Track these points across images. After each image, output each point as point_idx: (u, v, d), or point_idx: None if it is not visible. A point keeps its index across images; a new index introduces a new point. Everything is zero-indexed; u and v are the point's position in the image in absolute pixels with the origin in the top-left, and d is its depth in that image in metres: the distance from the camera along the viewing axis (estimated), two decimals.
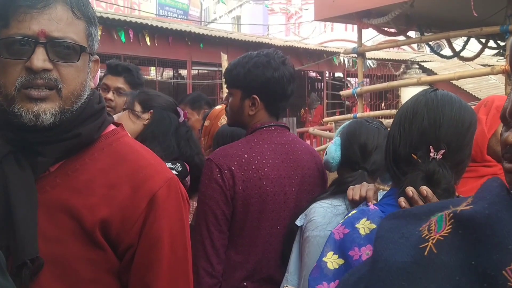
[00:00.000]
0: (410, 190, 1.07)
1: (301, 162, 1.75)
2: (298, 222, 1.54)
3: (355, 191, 1.35)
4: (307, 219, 1.52)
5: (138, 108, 2.02)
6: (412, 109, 1.20)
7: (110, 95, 2.54)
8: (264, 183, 1.67)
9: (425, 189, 1.07)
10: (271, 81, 1.70)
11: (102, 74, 2.74)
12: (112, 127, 1.09)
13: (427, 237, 0.63)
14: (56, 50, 0.93)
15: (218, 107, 2.65)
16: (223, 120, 2.52)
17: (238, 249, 1.68)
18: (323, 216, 1.47)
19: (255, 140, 1.72)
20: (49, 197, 0.96)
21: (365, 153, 1.61)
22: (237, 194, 1.64)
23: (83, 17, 0.98)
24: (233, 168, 1.64)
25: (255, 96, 1.73)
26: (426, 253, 0.61)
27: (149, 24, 8.52)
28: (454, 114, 1.17)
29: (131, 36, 8.40)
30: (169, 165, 1.93)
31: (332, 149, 1.65)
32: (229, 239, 1.68)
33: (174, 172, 1.92)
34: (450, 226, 0.62)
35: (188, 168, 2.02)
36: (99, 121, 1.04)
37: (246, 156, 1.67)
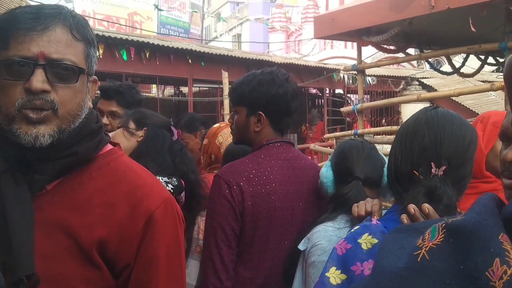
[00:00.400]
0: (411, 207, 1.08)
1: (307, 178, 1.78)
2: (301, 247, 1.54)
3: (360, 207, 1.35)
4: (310, 243, 1.51)
5: (132, 125, 2.04)
6: (413, 127, 1.22)
7: (105, 119, 2.55)
8: (273, 198, 1.69)
9: (426, 206, 1.07)
10: (276, 97, 1.75)
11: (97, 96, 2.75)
12: (109, 146, 1.11)
13: (421, 246, 0.67)
14: (55, 72, 0.95)
15: (216, 125, 2.68)
16: (220, 138, 2.55)
17: (247, 265, 1.69)
18: (329, 240, 1.47)
19: (262, 156, 1.75)
20: (46, 215, 0.96)
21: (354, 164, 1.65)
22: (246, 210, 1.66)
23: (82, 39, 0.99)
24: (241, 183, 1.67)
25: (261, 113, 1.77)
26: (419, 259, 0.65)
27: (151, 42, 8.60)
28: (455, 131, 1.19)
29: (133, 54, 8.47)
30: (164, 179, 1.93)
31: (324, 171, 1.70)
32: (237, 255, 1.69)
33: (169, 186, 1.92)
34: (442, 235, 0.66)
35: (183, 184, 2.01)
36: (96, 140, 1.06)
37: (254, 171, 1.70)
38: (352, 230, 1.20)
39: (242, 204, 1.66)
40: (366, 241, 1.13)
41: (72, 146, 1.00)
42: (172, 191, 1.91)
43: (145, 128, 2.03)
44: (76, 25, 0.99)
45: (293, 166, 1.78)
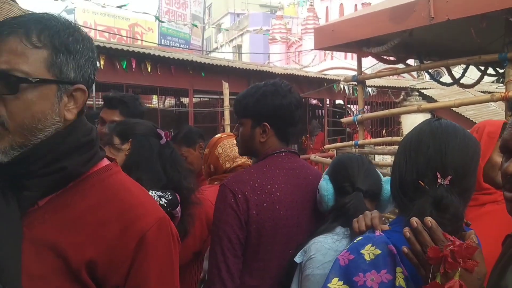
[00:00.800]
0: (414, 221, 1.07)
1: (312, 187, 1.80)
2: (297, 259, 1.56)
3: (360, 222, 1.34)
4: (306, 256, 1.52)
5: (116, 141, 2.01)
6: (417, 138, 1.23)
7: (105, 129, 2.54)
8: (277, 207, 1.70)
9: (429, 220, 1.07)
10: (280, 108, 1.78)
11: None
12: (105, 162, 1.07)
13: None
14: (2, 83, 0.90)
15: (218, 135, 2.69)
16: (220, 149, 2.56)
17: (253, 274, 1.70)
18: (324, 253, 1.48)
19: (267, 165, 1.78)
20: (36, 233, 0.93)
21: (355, 175, 1.68)
22: (250, 218, 1.67)
23: (45, 46, 0.94)
24: (246, 192, 1.69)
25: (266, 124, 1.80)
26: None
27: (152, 53, 8.64)
28: (459, 142, 1.19)
29: (134, 65, 8.50)
30: (158, 193, 1.88)
31: (323, 184, 1.71)
32: (243, 264, 1.70)
33: (163, 200, 1.88)
34: None
35: (178, 198, 1.97)
36: (88, 155, 1.01)
37: (259, 181, 1.72)
38: (355, 241, 1.19)
39: (247, 213, 1.67)
40: (369, 252, 1.13)
41: (60, 160, 0.96)
42: (165, 205, 1.87)
43: (130, 140, 2.00)
44: (39, 31, 0.93)
45: (298, 175, 1.80)
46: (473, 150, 1.21)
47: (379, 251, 1.12)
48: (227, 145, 2.57)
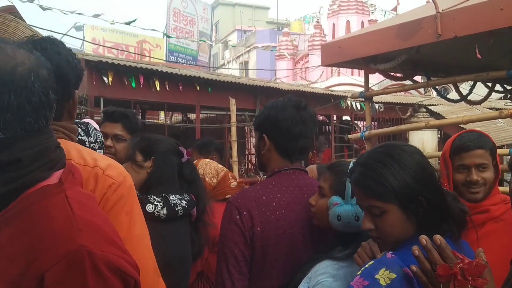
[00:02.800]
0: (423, 239, 1.06)
1: None
2: (302, 286, 1.51)
3: (362, 256, 1.34)
4: (312, 283, 1.48)
5: (139, 157, 2.07)
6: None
7: (109, 142, 2.58)
8: (282, 224, 1.70)
9: (438, 237, 1.06)
10: (276, 120, 1.79)
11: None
12: (46, 182, 0.95)
13: None
14: None
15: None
16: (200, 171, 2.72)
17: None
18: (334, 276, 1.45)
19: (273, 182, 1.78)
20: None
21: None
22: (255, 235, 1.67)
23: None
24: (251, 209, 1.68)
25: (264, 135, 1.83)
26: None
27: (159, 70, 8.70)
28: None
29: (141, 81, 8.55)
30: (177, 196, 2.02)
31: (349, 209, 1.55)
32: (249, 281, 1.69)
33: (183, 202, 1.97)
34: None
35: (194, 199, 2.10)
36: (8, 176, 0.90)
37: (264, 198, 1.72)
38: (367, 265, 1.17)
39: (252, 230, 1.67)
40: (383, 276, 1.11)
41: None
42: (186, 206, 2.02)
43: (153, 157, 2.05)
44: None
45: (304, 193, 1.78)
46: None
47: (394, 275, 1.10)
48: (203, 164, 2.70)
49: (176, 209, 1.99)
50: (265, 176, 2.03)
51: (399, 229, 1.25)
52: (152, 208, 1.93)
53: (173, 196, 2.00)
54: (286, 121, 1.78)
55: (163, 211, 1.95)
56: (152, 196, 1.98)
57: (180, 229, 2.04)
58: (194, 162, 2.77)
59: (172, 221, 1.99)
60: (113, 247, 0.91)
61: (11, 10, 2.61)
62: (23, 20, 2.27)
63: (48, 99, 0.95)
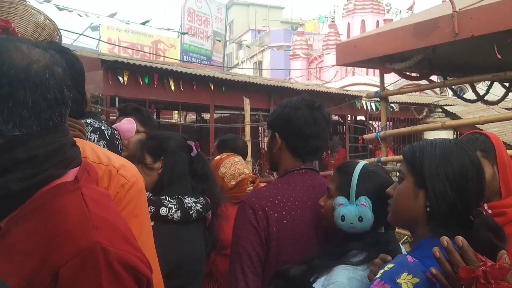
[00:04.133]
0: (444, 240, 1.04)
1: None
2: (316, 286, 1.49)
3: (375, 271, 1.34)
4: (325, 284, 1.46)
5: (148, 159, 2.05)
6: (461, 169, 1.23)
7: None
8: (298, 224, 1.68)
9: (460, 239, 1.04)
10: (287, 119, 1.78)
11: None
12: (62, 180, 0.96)
13: None
14: None
15: (218, 157, 2.76)
16: (223, 169, 2.64)
17: None
18: (348, 278, 1.43)
19: (287, 182, 1.76)
20: None
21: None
22: (271, 235, 1.65)
23: None
24: (266, 209, 1.66)
25: (276, 133, 1.82)
26: None
27: (174, 69, 8.74)
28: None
29: (156, 81, 8.60)
30: (193, 199, 2.01)
31: (369, 216, 1.54)
32: (263, 282, 1.67)
33: (198, 205, 1.96)
34: None
35: (209, 202, 2.09)
36: (25, 172, 0.91)
37: (279, 197, 1.70)
38: (386, 268, 1.14)
39: (267, 230, 1.65)
40: (406, 281, 1.08)
41: None
42: (201, 210, 2.01)
43: (162, 158, 2.04)
44: None
45: (318, 192, 1.77)
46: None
47: (417, 279, 1.07)
48: (229, 164, 2.65)
49: (191, 212, 1.96)
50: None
51: (404, 201, 1.26)
52: (166, 211, 1.91)
53: (188, 199, 1.98)
54: (298, 120, 1.76)
55: (177, 214, 1.93)
56: (167, 197, 1.96)
57: (193, 231, 2.02)
58: (223, 157, 2.74)
59: (186, 223, 1.97)
60: (127, 244, 0.92)
61: None
62: (29, 4, 2.26)
63: (63, 97, 0.96)
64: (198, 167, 2.10)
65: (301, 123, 1.76)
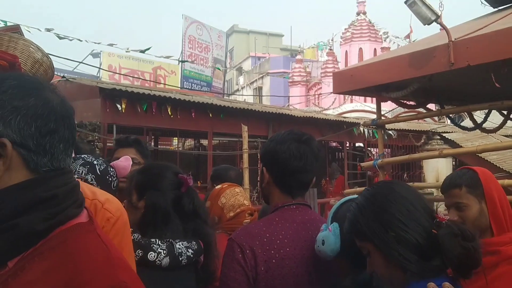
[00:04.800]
0: (431, 287, 1.03)
1: None
2: None
3: None
4: None
5: (134, 197, 1.98)
6: (396, 204, 1.31)
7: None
8: (287, 263, 1.61)
9: (447, 286, 1.02)
10: (273, 153, 1.75)
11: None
12: (78, 220, 0.98)
13: None
14: None
15: (218, 186, 2.69)
16: (223, 199, 2.57)
17: None
18: None
19: (277, 218, 1.70)
20: None
21: None
22: (259, 276, 1.58)
23: None
24: (254, 248, 1.60)
25: (264, 168, 1.79)
26: None
27: (172, 97, 8.77)
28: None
29: (154, 108, 8.61)
30: (185, 243, 1.91)
31: (331, 240, 1.56)
32: None
33: (190, 251, 1.88)
34: None
35: (202, 245, 1.99)
36: (47, 212, 0.92)
37: (268, 235, 1.64)
38: None
39: (255, 270, 1.58)
40: None
41: (13, 218, 0.89)
42: (192, 255, 1.90)
43: (145, 197, 1.96)
44: None
45: (309, 229, 1.71)
46: None
47: None
48: (230, 195, 2.59)
49: (180, 258, 1.86)
50: None
51: (383, 269, 1.27)
52: (154, 256, 1.81)
53: (180, 243, 1.88)
54: (283, 154, 1.71)
55: (166, 261, 1.82)
56: (157, 240, 1.85)
57: (183, 276, 1.91)
58: (224, 187, 2.68)
59: (174, 270, 1.86)
60: (140, 284, 0.99)
61: (15, 30, 2.63)
62: (30, 41, 2.30)
63: (74, 137, 1.01)
64: (186, 204, 2.00)
65: (286, 157, 1.71)
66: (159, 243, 1.86)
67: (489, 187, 1.84)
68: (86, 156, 1.92)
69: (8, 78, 0.95)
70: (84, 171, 1.81)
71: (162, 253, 1.83)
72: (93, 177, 1.83)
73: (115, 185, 1.95)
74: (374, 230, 1.27)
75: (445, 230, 1.23)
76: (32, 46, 2.23)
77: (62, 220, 0.94)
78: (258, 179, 1.90)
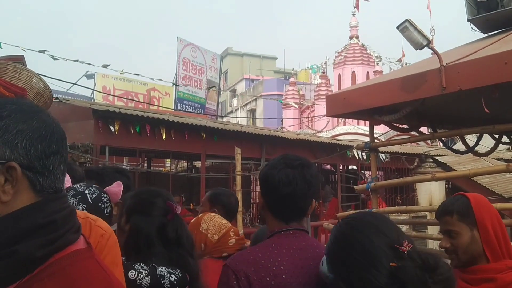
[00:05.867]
0: None
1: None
2: None
3: None
4: None
5: (122, 220, 1.99)
6: (350, 246, 1.38)
7: None
8: None
9: None
10: (265, 179, 1.75)
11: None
12: (76, 247, 0.97)
13: None
14: None
15: (194, 218, 2.73)
16: (204, 225, 2.59)
17: None
18: None
19: (273, 244, 1.67)
20: None
21: None
22: None
23: None
24: (250, 275, 1.57)
25: (260, 193, 1.79)
26: None
27: (166, 119, 8.76)
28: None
29: (148, 130, 8.59)
30: (168, 270, 1.89)
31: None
32: None
33: (173, 277, 1.85)
34: None
35: (187, 277, 1.95)
36: (46, 238, 0.92)
37: (263, 261, 1.60)
38: None
39: None
40: None
41: (12, 244, 0.88)
42: (175, 282, 1.87)
43: (130, 222, 1.96)
44: None
45: (306, 256, 1.67)
46: None
47: None
48: (208, 219, 2.61)
49: (162, 281, 1.83)
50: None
51: None
52: (135, 275, 1.79)
53: (163, 268, 1.86)
54: (273, 179, 1.71)
55: (146, 280, 1.80)
56: (141, 264, 1.85)
57: None
58: (199, 215, 2.68)
59: None
60: None
61: (19, 60, 2.66)
62: (32, 71, 2.34)
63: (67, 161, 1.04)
64: (170, 232, 1.98)
65: (277, 183, 1.70)
66: (142, 265, 1.85)
67: (481, 214, 1.83)
68: (78, 185, 1.93)
69: (7, 103, 0.97)
70: (75, 202, 1.81)
71: (143, 273, 1.82)
72: (84, 206, 1.82)
73: (108, 211, 1.94)
74: (339, 270, 1.35)
75: (405, 262, 1.25)
76: (35, 77, 2.27)
77: (60, 246, 0.94)
78: (253, 201, 1.88)
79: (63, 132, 1.01)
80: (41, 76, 2.32)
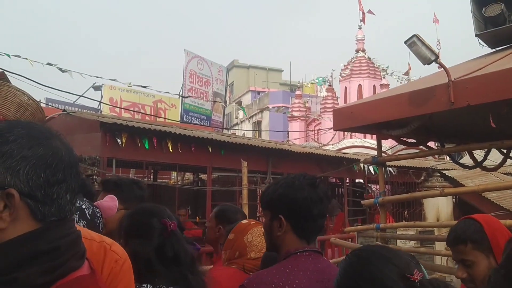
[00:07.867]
0: None
1: None
2: None
3: None
4: None
5: (122, 242, 1.96)
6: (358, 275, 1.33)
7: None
8: None
9: None
10: (295, 201, 1.72)
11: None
12: (80, 273, 0.95)
13: None
14: None
15: (245, 221, 2.58)
16: (250, 236, 2.43)
17: None
18: None
19: (290, 266, 1.66)
20: None
21: None
22: None
23: None
24: None
25: (281, 216, 1.74)
26: None
27: (173, 132, 8.78)
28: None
29: (155, 143, 8.60)
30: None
31: None
32: None
33: None
34: None
35: None
36: (48, 265, 0.89)
37: (281, 284, 1.60)
38: None
39: None
40: None
41: (12, 271, 0.86)
42: None
43: (128, 243, 1.93)
44: None
45: (322, 278, 1.66)
46: None
47: None
48: (256, 234, 2.46)
49: None
50: None
51: None
52: None
53: (163, 286, 1.82)
54: (305, 200, 1.71)
55: None
56: (149, 285, 1.81)
57: None
58: (252, 223, 2.56)
59: None
60: None
61: (0, 77, 2.67)
62: (13, 86, 2.32)
63: (78, 185, 1.01)
64: (167, 251, 1.94)
65: (309, 203, 1.71)
66: (150, 286, 1.82)
67: (496, 239, 1.77)
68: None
69: (16, 126, 0.95)
70: (75, 219, 1.78)
71: None
72: (84, 223, 1.80)
73: (102, 226, 1.92)
74: None
75: None
76: (17, 91, 2.25)
77: (62, 273, 0.91)
78: (259, 215, 1.84)
79: (74, 160, 0.98)
80: (25, 91, 2.31)
